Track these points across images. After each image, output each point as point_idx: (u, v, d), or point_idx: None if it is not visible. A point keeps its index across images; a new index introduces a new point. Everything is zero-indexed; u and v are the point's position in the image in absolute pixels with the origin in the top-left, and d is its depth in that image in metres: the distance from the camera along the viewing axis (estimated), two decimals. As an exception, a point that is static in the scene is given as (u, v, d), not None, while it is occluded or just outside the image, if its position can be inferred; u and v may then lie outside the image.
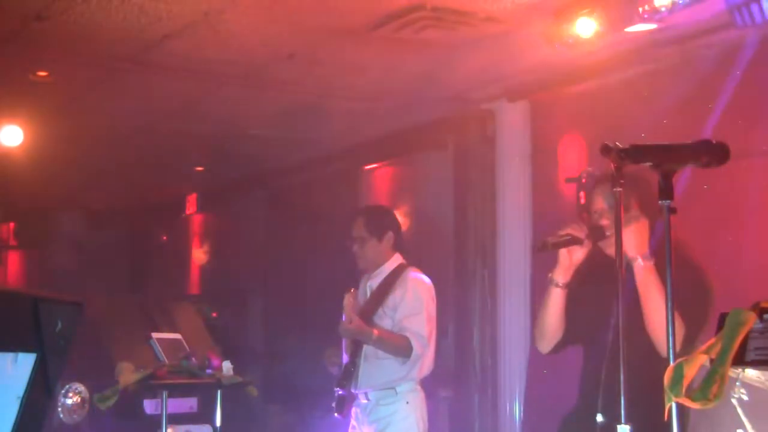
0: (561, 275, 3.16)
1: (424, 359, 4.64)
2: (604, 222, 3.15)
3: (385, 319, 4.67)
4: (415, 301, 4.68)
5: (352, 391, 4.69)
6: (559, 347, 3.30)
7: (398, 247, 4.93)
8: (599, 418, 3.07)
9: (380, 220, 4.93)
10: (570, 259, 3.14)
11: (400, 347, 4.58)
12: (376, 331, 4.50)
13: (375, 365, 4.64)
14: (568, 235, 3.13)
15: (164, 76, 6.67)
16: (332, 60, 6.31)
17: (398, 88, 6.95)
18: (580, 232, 3.12)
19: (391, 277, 4.78)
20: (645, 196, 3.14)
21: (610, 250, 3.09)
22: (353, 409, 4.73)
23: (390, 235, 4.87)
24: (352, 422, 4.74)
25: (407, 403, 4.63)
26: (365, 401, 4.68)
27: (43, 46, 5.95)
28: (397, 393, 4.61)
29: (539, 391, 6.69)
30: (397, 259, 4.89)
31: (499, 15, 5.43)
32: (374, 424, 4.64)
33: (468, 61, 6.31)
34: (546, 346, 3.29)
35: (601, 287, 3.05)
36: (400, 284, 4.74)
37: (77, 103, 7.31)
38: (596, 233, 3.18)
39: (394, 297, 4.68)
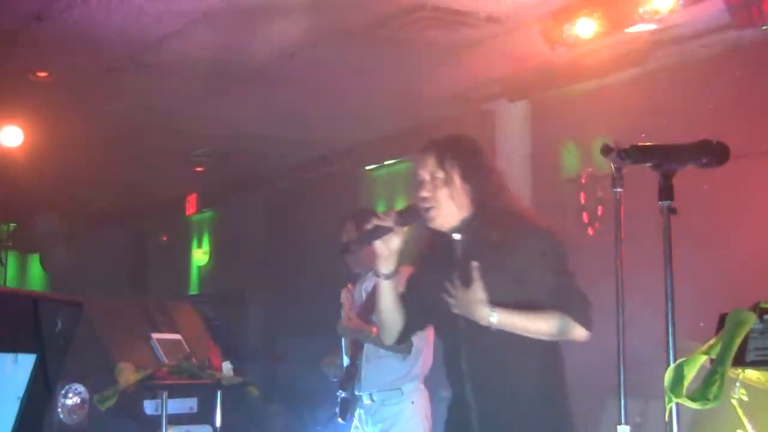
0: (383, 266, 3.02)
1: (425, 354, 4.61)
2: (424, 194, 2.99)
3: None
4: None
5: (356, 393, 4.66)
6: (404, 336, 3.20)
7: None
8: (471, 403, 2.98)
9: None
10: (388, 248, 2.99)
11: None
12: (374, 329, 4.48)
13: (376, 365, 4.62)
14: (374, 227, 3.00)
15: (164, 76, 6.67)
16: (332, 60, 6.31)
17: (398, 88, 6.95)
18: (386, 220, 2.97)
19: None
20: (468, 164, 3.02)
21: (436, 223, 3.00)
22: (357, 411, 4.70)
23: None
24: (355, 423, 4.70)
25: (412, 403, 4.60)
26: (369, 402, 4.64)
27: (43, 46, 5.96)
28: (402, 393, 4.59)
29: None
30: None
31: (499, 15, 5.43)
32: (379, 425, 4.61)
33: (468, 61, 6.31)
34: (389, 337, 3.19)
35: (439, 267, 3.04)
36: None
37: (77, 103, 7.32)
38: (407, 215, 3.03)
39: None
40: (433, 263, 3.10)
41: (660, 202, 2.37)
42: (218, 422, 5.00)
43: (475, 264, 2.89)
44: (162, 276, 12.82)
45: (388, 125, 7.98)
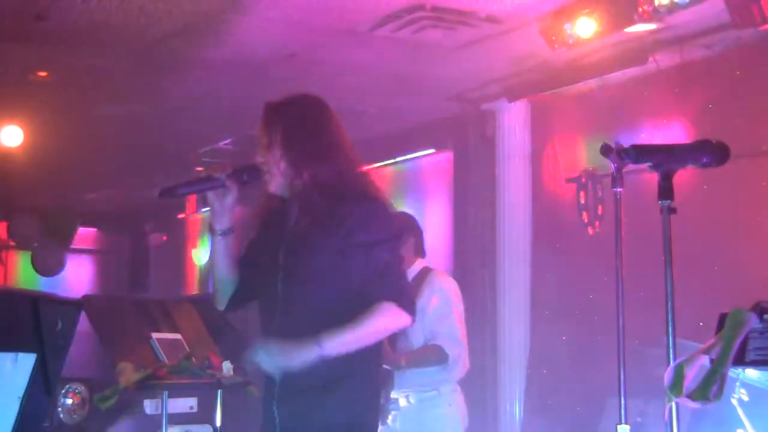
0: (215, 221, 2.88)
1: (462, 360, 4.52)
2: (258, 158, 2.90)
3: (414, 325, 4.51)
4: (443, 304, 4.54)
5: (391, 396, 4.56)
6: (237, 303, 3.04)
7: (419, 252, 4.75)
8: (276, 377, 2.80)
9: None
10: (220, 204, 2.86)
11: (433, 359, 4.44)
12: (403, 359, 4.38)
13: (413, 372, 4.51)
14: (205, 176, 2.87)
15: (164, 76, 6.67)
16: (332, 60, 6.31)
17: (398, 88, 6.95)
18: (218, 171, 2.85)
19: (415, 282, 4.56)
20: (291, 127, 2.90)
21: (270, 188, 2.88)
22: (392, 413, 4.59)
23: (410, 240, 4.68)
24: (390, 425, 4.57)
25: (449, 405, 4.53)
26: (406, 404, 4.55)
27: (43, 46, 5.96)
28: (440, 395, 4.51)
29: (539, 391, 6.69)
30: (420, 264, 4.73)
31: (499, 15, 5.43)
32: (416, 427, 4.52)
33: (468, 61, 6.31)
34: (220, 301, 3.03)
35: (271, 232, 2.91)
36: (427, 287, 4.58)
37: (77, 103, 7.31)
38: (245, 174, 2.89)
39: (421, 301, 4.49)
40: (268, 230, 2.96)
41: (660, 202, 2.38)
42: (218, 422, 4.99)
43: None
44: (162, 276, 12.82)
45: (388, 125, 7.98)
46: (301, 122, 2.92)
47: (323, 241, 2.77)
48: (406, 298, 2.78)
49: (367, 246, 2.74)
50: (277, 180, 2.87)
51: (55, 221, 11.36)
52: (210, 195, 2.87)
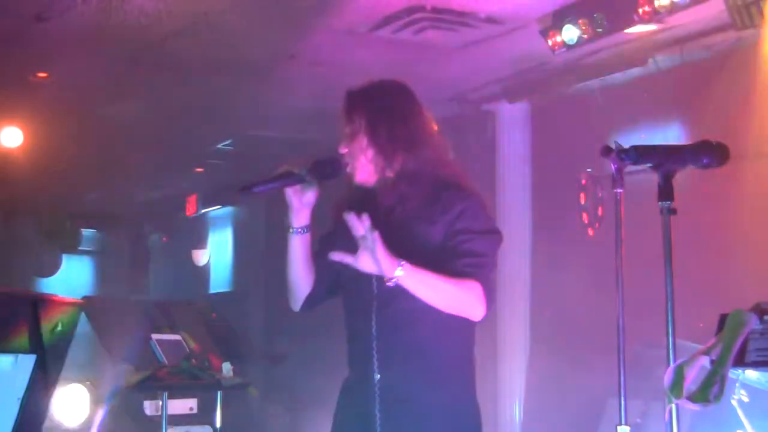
0: (294, 218, 2.70)
1: None
2: (342, 149, 2.72)
3: None
4: None
5: None
6: (314, 302, 2.85)
7: None
8: (377, 377, 2.62)
9: None
10: (299, 200, 2.68)
11: None
12: None
13: None
14: (284, 171, 2.66)
15: (164, 76, 6.67)
16: (332, 60, 6.31)
17: (398, 89, 6.94)
18: (298, 166, 2.67)
19: None
20: (376, 116, 2.71)
21: (357, 180, 2.72)
22: None
23: None
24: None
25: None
26: None
27: (43, 46, 5.95)
28: None
29: (539, 392, 6.69)
30: None
31: (499, 15, 5.43)
32: None
33: (468, 61, 6.31)
34: (295, 302, 2.84)
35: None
36: None
37: (77, 103, 7.31)
38: (325, 168, 2.71)
39: None
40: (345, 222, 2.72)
41: (660, 203, 2.37)
42: (218, 423, 5.00)
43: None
44: (162, 276, 12.82)
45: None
46: (387, 108, 2.75)
47: (425, 229, 2.65)
48: (492, 292, 2.65)
49: (473, 233, 2.62)
50: (365, 170, 2.72)
51: (50, 222, 11.36)
52: (288, 191, 2.70)
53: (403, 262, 2.48)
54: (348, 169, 2.72)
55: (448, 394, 2.70)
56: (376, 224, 2.53)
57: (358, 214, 2.56)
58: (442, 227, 2.63)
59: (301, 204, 2.71)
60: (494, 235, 2.69)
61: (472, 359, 2.80)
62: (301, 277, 2.80)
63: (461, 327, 2.71)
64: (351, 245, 2.57)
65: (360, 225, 2.47)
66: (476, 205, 2.68)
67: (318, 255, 2.79)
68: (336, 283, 2.81)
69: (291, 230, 2.74)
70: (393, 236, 2.56)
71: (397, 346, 2.64)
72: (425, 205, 2.66)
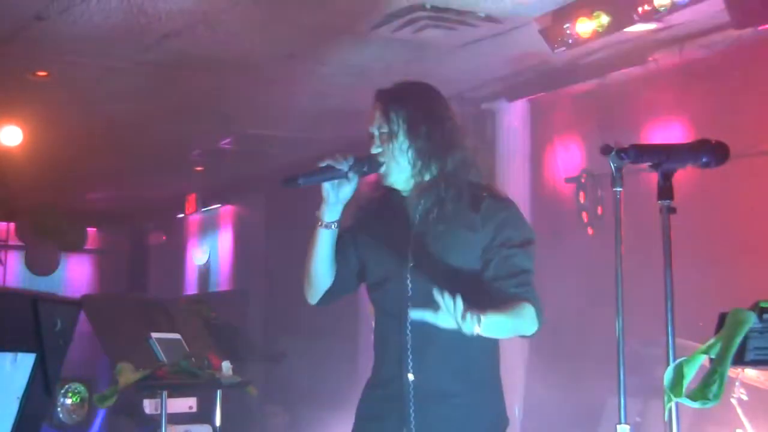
0: (327, 213, 2.67)
1: None
2: (374, 149, 2.74)
3: None
4: None
5: None
6: (332, 297, 2.83)
7: None
8: (410, 377, 2.63)
9: None
10: (336, 195, 2.64)
11: None
12: None
13: None
14: (326, 166, 2.65)
15: (164, 76, 6.67)
16: (332, 60, 6.31)
17: (398, 88, 6.95)
18: (340, 162, 2.65)
19: None
20: (416, 119, 2.72)
21: (389, 180, 2.72)
22: None
23: None
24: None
25: None
26: None
27: (43, 46, 5.96)
28: None
29: (539, 393, 6.69)
30: None
31: (498, 15, 5.43)
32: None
33: (468, 60, 6.31)
34: (314, 295, 2.80)
35: (391, 229, 2.74)
36: None
37: (77, 103, 7.32)
38: (366, 164, 2.71)
39: None
40: (378, 223, 2.78)
41: (659, 202, 2.37)
42: (218, 422, 5.00)
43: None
44: (162, 276, 12.82)
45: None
46: (426, 109, 2.77)
47: (465, 235, 2.65)
48: (542, 307, 2.62)
49: (515, 247, 2.63)
50: (402, 171, 2.71)
51: (46, 220, 11.35)
52: (326, 185, 2.67)
53: (483, 317, 2.36)
54: (382, 170, 2.73)
55: (481, 394, 2.71)
56: (410, 226, 2.62)
57: (381, 215, 2.67)
58: (483, 236, 2.64)
59: (337, 199, 2.68)
60: (533, 244, 2.69)
61: (498, 359, 2.81)
62: (324, 272, 2.78)
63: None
64: (372, 244, 2.66)
65: (454, 306, 2.35)
66: (516, 214, 2.71)
67: (337, 251, 2.78)
68: (353, 280, 2.83)
69: (321, 224, 2.71)
70: (431, 239, 2.62)
71: (431, 347, 2.64)
72: (463, 209, 2.67)
